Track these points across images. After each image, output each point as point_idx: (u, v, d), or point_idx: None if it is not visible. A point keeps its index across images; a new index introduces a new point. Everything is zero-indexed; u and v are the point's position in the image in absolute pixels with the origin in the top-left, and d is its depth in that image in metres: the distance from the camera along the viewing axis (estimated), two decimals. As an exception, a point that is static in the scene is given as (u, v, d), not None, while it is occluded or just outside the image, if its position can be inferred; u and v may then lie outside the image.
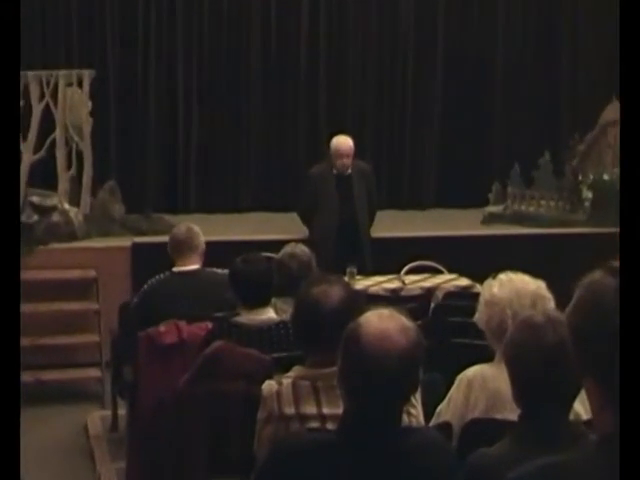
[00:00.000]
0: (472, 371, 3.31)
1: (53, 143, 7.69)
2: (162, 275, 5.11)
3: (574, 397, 2.53)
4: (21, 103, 6.32)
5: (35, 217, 7.33)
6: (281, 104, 9.40)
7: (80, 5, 8.84)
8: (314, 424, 2.85)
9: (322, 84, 9.45)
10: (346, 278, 5.99)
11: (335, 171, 7.30)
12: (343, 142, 7.29)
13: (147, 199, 8.92)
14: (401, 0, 9.52)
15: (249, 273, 4.22)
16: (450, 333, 4.60)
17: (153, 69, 9.09)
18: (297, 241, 5.09)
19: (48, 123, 7.69)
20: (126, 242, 7.52)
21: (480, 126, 9.76)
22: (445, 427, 3.19)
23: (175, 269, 5.10)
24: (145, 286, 5.11)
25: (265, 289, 4.24)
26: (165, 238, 5.37)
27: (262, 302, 4.21)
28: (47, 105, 7.64)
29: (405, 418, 2.77)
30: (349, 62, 9.51)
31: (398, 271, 6.62)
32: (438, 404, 3.39)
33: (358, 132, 8.16)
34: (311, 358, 2.98)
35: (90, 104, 7.79)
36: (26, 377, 6.10)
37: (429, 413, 3.31)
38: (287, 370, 3.09)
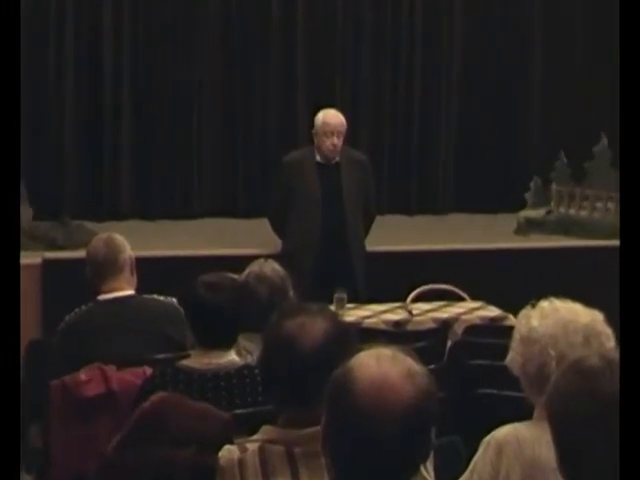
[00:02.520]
0: (503, 432, 3.32)
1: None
2: (84, 306, 5.11)
3: (641, 467, 2.53)
4: None
5: None
6: (246, 76, 9.41)
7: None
8: (290, 504, 2.84)
9: (301, 50, 9.47)
10: (333, 307, 6.00)
11: (319, 158, 7.29)
12: (333, 116, 7.30)
13: (63, 200, 8.91)
14: None
15: (207, 302, 4.20)
16: (473, 381, 4.62)
17: (71, 29, 9.10)
18: (266, 257, 5.10)
19: None
20: (34, 258, 7.51)
21: (513, 104, 9.81)
22: (467, 508, 3.20)
23: (101, 297, 5.10)
24: (62, 324, 5.11)
25: (229, 324, 4.23)
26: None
27: (225, 343, 4.20)
28: None
29: (413, 495, 2.77)
30: (337, 19, 9.53)
31: (404, 298, 6.63)
32: (458, 476, 3.39)
33: (351, 114, 8.18)
34: (285, 415, 2.98)
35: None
36: None
37: (445, 489, 3.32)
38: (253, 431, 3.09)
